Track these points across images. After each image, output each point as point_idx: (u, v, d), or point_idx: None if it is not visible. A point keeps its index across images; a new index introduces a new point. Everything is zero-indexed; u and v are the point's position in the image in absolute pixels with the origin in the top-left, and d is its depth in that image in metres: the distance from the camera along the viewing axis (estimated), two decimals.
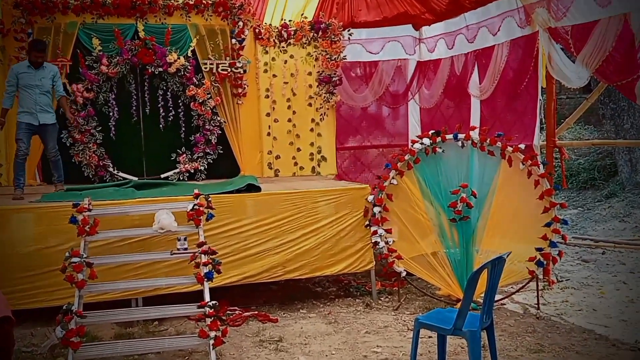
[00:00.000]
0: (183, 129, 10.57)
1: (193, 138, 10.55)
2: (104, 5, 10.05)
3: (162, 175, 10.37)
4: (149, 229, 7.18)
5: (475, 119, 10.76)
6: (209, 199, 7.34)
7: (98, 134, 10.14)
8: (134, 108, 10.35)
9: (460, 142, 8.39)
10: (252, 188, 8.37)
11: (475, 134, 8.42)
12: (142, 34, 10.25)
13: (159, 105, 10.42)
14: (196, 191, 7.47)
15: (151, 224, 7.15)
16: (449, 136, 8.44)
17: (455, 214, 8.10)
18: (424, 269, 8.36)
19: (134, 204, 7.61)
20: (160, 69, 10.24)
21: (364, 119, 12.64)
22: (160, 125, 10.46)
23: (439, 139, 8.44)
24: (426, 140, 8.46)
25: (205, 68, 10.55)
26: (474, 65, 10.81)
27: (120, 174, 10.23)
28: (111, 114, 10.22)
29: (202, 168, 10.57)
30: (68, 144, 9.98)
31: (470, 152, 8.37)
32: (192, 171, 10.53)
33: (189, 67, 10.35)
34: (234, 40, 10.69)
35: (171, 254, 6.99)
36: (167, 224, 7.03)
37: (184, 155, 10.54)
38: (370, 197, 8.48)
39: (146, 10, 10.25)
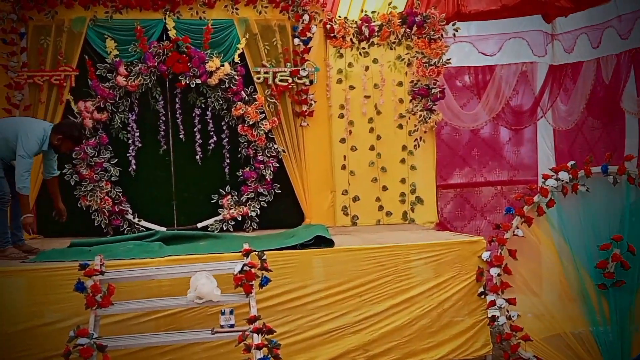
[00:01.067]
0: (227, 161, 10.72)
1: (241, 173, 10.68)
2: None
3: (199, 225, 10.53)
4: (182, 298, 7.21)
5: (632, 145, 10.67)
6: (264, 257, 7.38)
7: (113, 169, 10.31)
8: (162, 134, 10.54)
9: (611, 177, 8.32)
10: (322, 242, 8.41)
11: (632, 166, 8.34)
12: (172, 33, 10.39)
13: (196, 130, 10.59)
14: (246, 246, 7.54)
15: (185, 292, 7.19)
16: (596, 169, 8.39)
17: (605, 278, 8.01)
18: (561, 354, 8.27)
19: (162, 264, 7.67)
20: (198, 81, 10.39)
21: (475, 146, 12.63)
22: (197, 157, 10.62)
23: (581, 173, 8.39)
24: (563, 175, 8.41)
25: (258, 78, 10.68)
26: (629, 70, 10.74)
27: (143, 223, 10.38)
28: (131, 141, 10.41)
29: (254, 214, 10.67)
30: (72, 183, 10.15)
31: (626, 192, 8.29)
32: (240, 219, 10.63)
33: (236, 77, 10.49)
34: (297, 41, 10.80)
35: (212, 333, 7.04)
36: (206, 291, 7.07)
37: (229, 196, 10.66)
38: (486, 255, 8.46)
39: (178, 1, 10.41)
